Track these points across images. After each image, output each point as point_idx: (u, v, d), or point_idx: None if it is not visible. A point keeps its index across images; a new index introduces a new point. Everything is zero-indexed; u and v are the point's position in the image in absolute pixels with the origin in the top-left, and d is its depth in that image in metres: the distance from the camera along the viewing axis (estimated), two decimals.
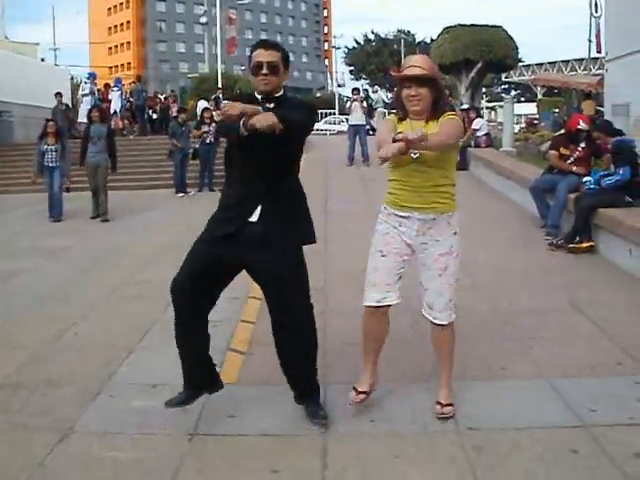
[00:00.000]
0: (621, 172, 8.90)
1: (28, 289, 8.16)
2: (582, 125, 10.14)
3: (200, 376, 4.39)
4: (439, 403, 4.38)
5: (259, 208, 4.04)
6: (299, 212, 4.24)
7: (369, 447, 4.05)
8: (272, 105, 4.00)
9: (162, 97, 29.82)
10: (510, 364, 5.21)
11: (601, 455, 3.83)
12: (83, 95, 24.95)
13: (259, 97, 4.10)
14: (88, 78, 27.22)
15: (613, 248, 8.35)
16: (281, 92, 4.14)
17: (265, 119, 3.70)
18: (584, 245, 8.74)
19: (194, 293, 4.13)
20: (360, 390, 4.41)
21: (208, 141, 17.61)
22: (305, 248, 4.26)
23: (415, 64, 4.16)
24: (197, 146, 17.77)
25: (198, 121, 18.62)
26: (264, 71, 4.00)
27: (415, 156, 4.09)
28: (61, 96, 22.59)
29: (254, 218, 4.04)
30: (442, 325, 4.34)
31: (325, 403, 4.44)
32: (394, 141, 3.85)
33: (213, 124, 17.27)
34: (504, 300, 6.86)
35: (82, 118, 23.31)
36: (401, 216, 4.24)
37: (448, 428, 4.25)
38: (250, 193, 4.06)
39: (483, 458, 3.88)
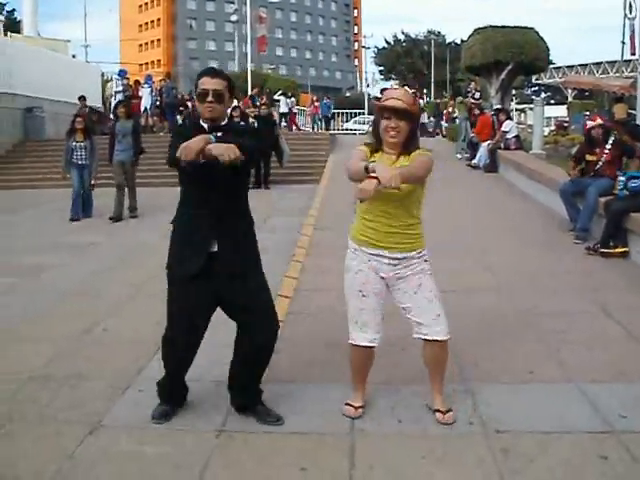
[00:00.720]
0: None
1: (56, 284, 8.24)
2: (589, 123, 10.11)
3: (182, 394, 4.57)
4: (439, 411, 4.37)
5: (216, 240, 4.12)
6: (250, 238, 4.32)
7: (396, 447, 4.05)
8: (220, 134, 4.03)
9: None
10: (538, 368, 5.18)
11: (631, 463, 3.79)
12: (116, 92, 25.16)
13: (205, 126, 4.14)
14: (119, 75, 27.44)
15: None
16: (226, 120, 4.22)
17: (228, 151, 3.78)
18: (618, 250, 8.65)
19: (188, 343, 4.35)
20: (357, 405, 4.45)
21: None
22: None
23: (397, 97, 4.16)
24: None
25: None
26: (209, 99, 4.05)
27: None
28: (84, 99, 22.11)
29: (214, 249, 4.12)
30: (435, 341, 4.29)
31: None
32: (366, 171, 3.87)
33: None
34: (532, 303, 6.81)
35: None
36: (370, 253, 4.25)
37: (475, 430, 4.23)
38: (205, 223, 4.12)
39: (510, 461, 3.86)
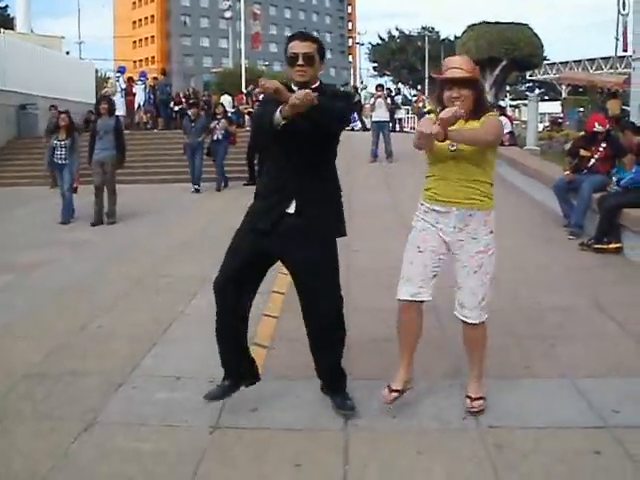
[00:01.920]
0: (634, 170, 8.85)
1: (50, 281, 8.24)
2: (597, 128, 10.09)
3: (240, 368, 4.44)
4: (469, 397, 4.38)
5: (294, 200, 4.08)
6: (333, 205, 4.27)
7: (391, 443, 4.06)
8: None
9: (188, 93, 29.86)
10: (533, 363, 5.19)
11: (624, 457, 3.80)
12: (122, 90, 25.16)
13: (295, 88, 4.08)
14: (120, 71, 27.41)
15: (637, 247, 8.28)
16: (317, 84, 4.13)
17: (301, 94, 3.72)
18: (612, 246, 8.66)
19: (237, 290, 4.20)
20: (393, 388, 4.36)
21: (215, 137, 17.00)
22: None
23: (457, 65, 4.15)
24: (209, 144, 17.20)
25: (210, 117, 18.17)
26: (300, 62, 4.01)
27: (453, 148, 4.10)
28: (56, 108, 19.33)
29: (291, 210, 4.08)
30: (473, 324, 4.32)
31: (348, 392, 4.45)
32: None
33: (223, 120, 17.06)
34: (527, 299, 6.83)
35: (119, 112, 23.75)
36: (439, 211, 4.23)
37: (470, 425, 4.24)
38: (285, 185, 4.10)
39: (504, 456, 3.87)
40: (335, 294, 4.27)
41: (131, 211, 13.36)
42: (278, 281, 7.36)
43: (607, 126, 10.20)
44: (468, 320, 4.31)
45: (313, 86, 4.08)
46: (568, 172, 10.22)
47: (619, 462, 3.76)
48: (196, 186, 16.57)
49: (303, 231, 4.07)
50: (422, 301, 4.30)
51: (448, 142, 4.06)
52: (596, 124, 10.24)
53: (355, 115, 31.93)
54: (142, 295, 7.41)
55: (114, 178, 12.73)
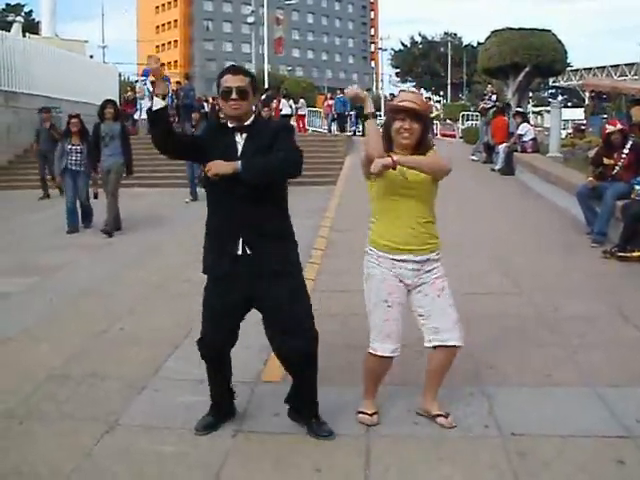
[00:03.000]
0: None
1: (71, 283, 8.30)
2: (609, 128, 10.06)
3: (228, 404, 4.48)
4: (441, 415, 4.35)
5: (240, 240, 4.03)
6: (282, 236, 4.16)
7: (412, 449, 4.06)
8: (244, 135, 4.03)
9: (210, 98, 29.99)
10: (555, 371, 5.17)
11: None
12: (150, 93, 25.32)
13: (231, 126, 4.08)
14: (144, 75, 27.54)
15: None
16: (252, 118, 4.11)
17: (219, 168, 3.84)
18: (635, 254, 8.60)
19: (223, 343, 4.26)
20: (371, 412, 4.40)
21: None
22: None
23: (411, 99, 4.18)
24: None
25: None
26: (234, 96, 3.98)
27: (409, 192, 4.11)
28: (48, 112, 17.96)
29: (239, 252, 4.03)
30: (453, 347, 4.26)
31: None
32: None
33: None
34: (549, 306, 6.80)
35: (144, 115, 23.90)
36: (395, 259, 4.20)
37: (491, 433, 4.23)
38: (229, 225, 4.05)
39: (526, 464, 3.86)
40: (312, 326, 4.22)
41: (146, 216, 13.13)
42: None
43: (618, 125, 10.12)
44: (448, 343, 4.24)
45: (247, 123, 4.07)
46: (591, 179, 10.16)
47: None
48: (191, 197, 15.63)
49: (259, 272, 4.02)
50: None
51: (401, 183, 4.09)
52: (607, 125, 10.24)
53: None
54: (164, 299, 7.45)
55: (117, 186, 11.98)
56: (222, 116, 4.36)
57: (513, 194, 14.92)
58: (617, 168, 9.81)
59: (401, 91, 5.19)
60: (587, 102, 43.22)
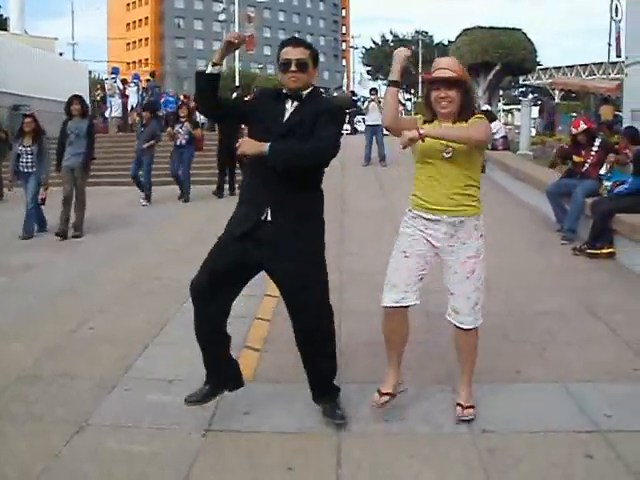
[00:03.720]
0: (630, 181, 8.89)
1: (42, 283, 8.23)
2: (573, 130, 10.22)
3: (222, 374, 4.39)
4: (460, 405, 4.35)
5: (268, 208, 4.03)
6: (310, 215, 4.17)
7: (383, 446, 4.06)
8: (296, 104, 4.05)
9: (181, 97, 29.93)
10: (525, 367, 5.21)
11: (616, 461, 3.81)
12: (120, 91, 25.24)
13: (284, 92, 4.11)
14: (114, 72, 27.44)
15: (632, 254, 8.30)
16: (309, 90, 4.12)
17: (245, 148, 3.88)
18: (604, 251, 8.68)
19: (213, 293, 4.13)
20: (384, 392, 4.34)
21: (178, 143, 15.18)
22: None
23: (445, 66, 4.16)
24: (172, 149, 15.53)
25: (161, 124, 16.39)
26: (292, 68, 4.00)
27: (448, 155, 4.10)
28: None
29: (264, 217, 4.04)
30: (468, 329, 4.29)
31: (339, 402, 4.44)
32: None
33: (187, 123, 15.25)
34: (519, 303, 6.84)
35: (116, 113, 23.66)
36: (429, 219, 4.20)
37: (462, 430, 4.25)
38: (261, 192, 4.06)
39: (496, 461, 3.88)
40: (322, 305, 4.19)
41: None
42: (271, 284, 7.36)
43: (581, 126, 10.21)
44: (463, 326, 4.27)
45: (304, 93, 4.09)
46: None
47: (612, 466, 3.78)
48: (144, 201, 14.79)
49: (278, 240, 4.02)
50: (407, 306, 4.27)
51: (442, 146, 4.07)
52: (572, 128, 10.41)
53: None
54: (135, 297, 7.40)
55: (84, 186, 11.47)
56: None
57: (483, 191, 14.95)
58: (586, 165, 9.91)
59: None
60: (557, 100, 43.60)
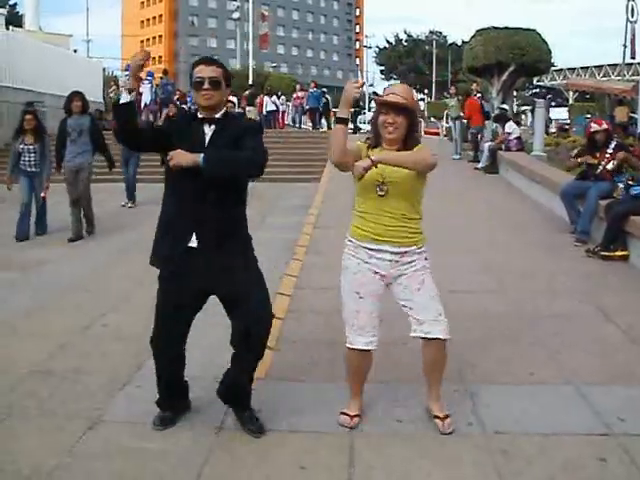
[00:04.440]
0: None
1: (55, 279, 8.26)
2: (594, 127, 10.13)
3: (181, 398, 4.47)
4: (437, 417, 4.30)
5: (194, 233, 4.01)
6: (240, 235, 4.18)
7: (395, 446, 4.06)
8: (213, 128, 4.04)
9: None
10: (538, 369, 5.19)
11: (630, 465, 3.80)
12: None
13: (200, 116, 4.10)
14: (127, 70, 27.57)
15: None
16: (222, 111, 4.13)
17: (179, 159, 3.84)
18: (618, 254, 8.65)
19: (175, 341, 4.23)
20: (353, 414, 4.36)
21: None
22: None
23: (397, 92, 4.15)
24: None
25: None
26: (206, 86, 4.00)
27: (381, 193, 4.09)
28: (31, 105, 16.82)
29: (193, 244, 4.02)
30: (436, 339, 4.19)
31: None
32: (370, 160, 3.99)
33: None
34: (532, 305, 6.82)
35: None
36: (372, 249, 4.18)
37: (474, 431, 4.24)
38: (185, 216, 4.03)
39: (509, 462, 3.87)
40: (258, 311, 4.13)
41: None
42: (284, 283, 7.38)
43: (603, 125, 10.19)
44: (430, 335, 4.18)
45: (218, 116, 4.09)
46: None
47: (625, 470, 3.76)
48: (129, 202, 14.22)
49: (211, 265, 4.01)
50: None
51: (376, 183, 4.07)
52: (592, 124, 10.32)
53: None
54: (147, 295, 7.41)
55: (89, 187, 11.05)
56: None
57: (497, 192, 14.95)
58: (601, 167, 9.86)
59: (389, 85, 5.16)
60: (571, 102, 43.51)
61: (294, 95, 33.89)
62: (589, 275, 8.11)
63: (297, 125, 32.96)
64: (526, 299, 7.01)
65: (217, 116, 4.09)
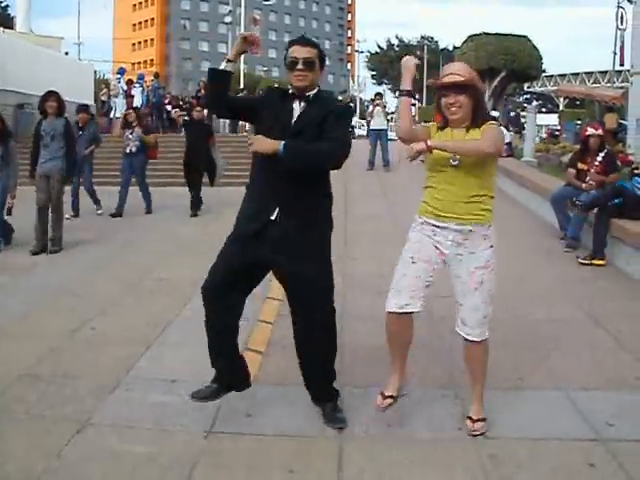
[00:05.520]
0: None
1: (46, 282, 8.23)
2: (590, 130, 10.17)
3: (230, 375, 4.39)
4: (470, 418, 4.29)
5: (277, 208, 4.05)
6: (319, 214, 4.19)
7: (385, 451, 4.05)
8: (303, 104, 4.08)
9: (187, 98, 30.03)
10: (527, 374, 5.19)
11: (619, 471, 3.80)
12: (124, 91, 25.31)
13: (291, 92, 4.14)
14: (119, 73, 27.53)
15: (633, 260, 8.31)
16: (315, 90, 4.14)
17: (258, 146, 3.91)
18: (595, 262, 8.75)
19: (225, 294, 4.14)
20: (387, 394, 4.33)
21: (128, 151, 13.63)
22: None
23: (454, 71, 4.10)
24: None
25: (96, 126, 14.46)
26: (300, 67, 4.02)
27: (455, 162, 4.03)
28: None
29: (273, 217, 4.05)
30: (474, 342, 4.23)
31: (342, 406, 4.44)
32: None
33: (138, 128, 13.60)
34: (522, 310, 6.83)
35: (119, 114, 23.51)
36: (436, 226, 4.14)
37: (464, 436, 4.23)
38: (269, 191, 4.07)
39: (498, 467, 3.87)
40: (325, 308, 4.20)
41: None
42: (273, 287, 7.35)
43: (599, 130, 10.24)
44: (470, 337, 4.21)
45: (310, 93, 4.11)
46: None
47: (613, 476, 3.76)
48: (71, 214, 12.89)
49: (286, 240, 4.03)
50: (412, 312, 4.22)
51: (450, 155, 4.03)
52: (588, 127, 10.37)
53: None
54: (137, 298, 7.39)
55: (61, 196, 10.09)
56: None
57: None
58: (589, 175, 9.89)
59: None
60: (561, 108, 43.67)
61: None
62: (579, 281, 8.14)
63: None
64: (516, 304, 7.01)
65: (308, 94, 4.11)
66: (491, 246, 4.18)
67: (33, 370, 5.25)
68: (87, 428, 4.29)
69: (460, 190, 4.07)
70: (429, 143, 3.98)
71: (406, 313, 4.19)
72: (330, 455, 3.99)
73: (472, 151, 4.01)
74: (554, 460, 3.93)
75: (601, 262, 8.71)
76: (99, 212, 13.49)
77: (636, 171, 9.52)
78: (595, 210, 9.19)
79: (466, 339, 4.24)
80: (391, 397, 4.33)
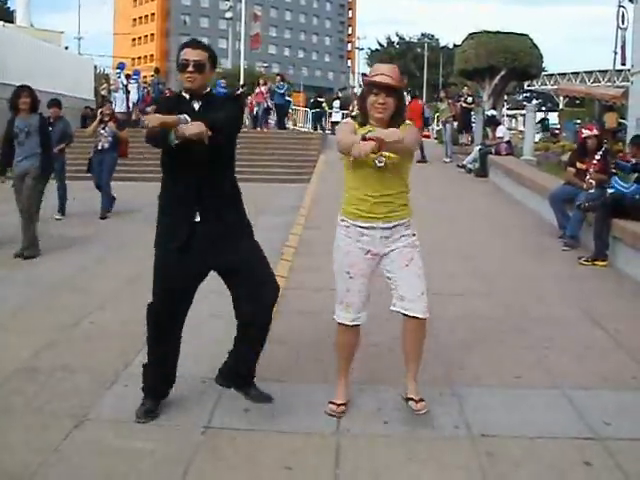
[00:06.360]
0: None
1: (44, 277, 8.23)
2: (585, 132, 10.20)
3: (167, 385, 4.51)
4: (411, 399, 4.32)
5: (198, 209, 4.13)
6: (238, 207, 4.34)
7: (381, 448, 4.06)
8: (200, 103, 4.17)
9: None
10: (524, 373, 5.20)
11: (615, 469, 3.81)
12: (124, 86, 25.31)
13: (186, 96, 4.22)
14: (119, 68, 27.51)
15: (632, 261, 8.31)
16: (206, 90, 4.27)
17: (193, 129, 3.86)
18: (598, 263, 8.73)
19: (173, 312, 4.30)
20: (339, 403, 4.43)
21: (100, 147, 12.94)
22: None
23: (385, 73, 4.17)
24: (91, 155, 13.21)
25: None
26: (190, 69, 4.11)
27: (380, 164, 4.12)
28: None
29: (197, 219, 4.13)
30: (415, 318, 4.27)
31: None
32: (364, 140, 3.91)
33: (111, 123, 13.01)
34: (520, 308, 6.84)
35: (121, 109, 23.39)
36: (364, 227, 4.26)
37: (461, 434, 4.24)
38: (185, 198, 4.14)
39: (495, 465, 3.87)
40: (274, 282, 4.34)
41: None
42: None
43: (594, 131, 10.26)
44: (410, 313, 4.27)
45: (203, 93, 4.23)
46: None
47: (610, 474, 3.77)
48: (59, 214, 12.51)
49: (215, 237, 4.14)
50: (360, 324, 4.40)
51: (374, 156, 4.07)
52: (583, 130, 10.39)
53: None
54: (135, 293, 7.39)
55: (34, 196, 9.29)
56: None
57: (486, 196, 14.99)
58: (589, 174, 9.90)
59: (377, 64, 5.15)
60: (561, 107, 43.67)
61: (256, 90, 29.03)
62: (577, 280, 8.14)
63: (258, 127, 28.37)
64: (514, 303, 7.03)
65: (203, 92, 4.23)
66: (414, 234, 4.36)
67: (31, 364, 5.25)
68: (85, 423, 4.29)
69: (385, 190, 4.21)
70: (371, 135, 3.93)
71: (356, 325, 4.38)
72: (327, 452, 3.99)
73: (413, 140, 4.17)
74: (551, 458, 3.94)
75: (603, 264, 8.71)
76: (57, 217, 12.39)
77: (613, 170, 9.59)
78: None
79: (406, 314, 4.29)
80: (344, 404, 4.45)
